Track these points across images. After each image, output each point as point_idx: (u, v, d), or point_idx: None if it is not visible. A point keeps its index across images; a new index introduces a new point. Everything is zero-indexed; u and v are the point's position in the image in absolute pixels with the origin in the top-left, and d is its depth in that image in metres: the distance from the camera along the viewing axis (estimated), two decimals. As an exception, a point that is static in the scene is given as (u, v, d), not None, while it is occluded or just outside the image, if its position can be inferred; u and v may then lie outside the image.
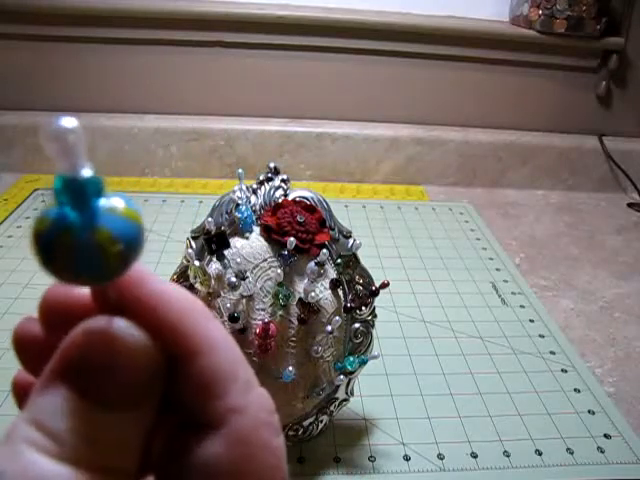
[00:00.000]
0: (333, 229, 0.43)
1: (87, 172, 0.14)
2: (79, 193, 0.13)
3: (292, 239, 0.38)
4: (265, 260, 0.40)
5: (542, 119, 0.97)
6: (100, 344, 0.15)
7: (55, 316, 0.17)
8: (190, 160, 0.89)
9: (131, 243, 0.14)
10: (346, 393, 0.44)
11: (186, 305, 0.17)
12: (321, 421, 0.44)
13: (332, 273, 0.42)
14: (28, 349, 0.17)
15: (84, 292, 0.16)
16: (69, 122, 0.13)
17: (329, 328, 0.40)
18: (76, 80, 0.88)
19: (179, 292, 0.17)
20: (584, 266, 0.75)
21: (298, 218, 0.40)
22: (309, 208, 0.42)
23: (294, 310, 0.40)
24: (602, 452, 0.47)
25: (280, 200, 0.42)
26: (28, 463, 0.13)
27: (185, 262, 0.40)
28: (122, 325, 0.15)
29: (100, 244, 0.13)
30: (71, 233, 0.13)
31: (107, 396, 0.15)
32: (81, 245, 0.13)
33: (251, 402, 0.16)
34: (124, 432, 0.15)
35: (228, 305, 0.39)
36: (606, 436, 0.48)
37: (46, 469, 0.13)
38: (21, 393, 0.17)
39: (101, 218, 0.14)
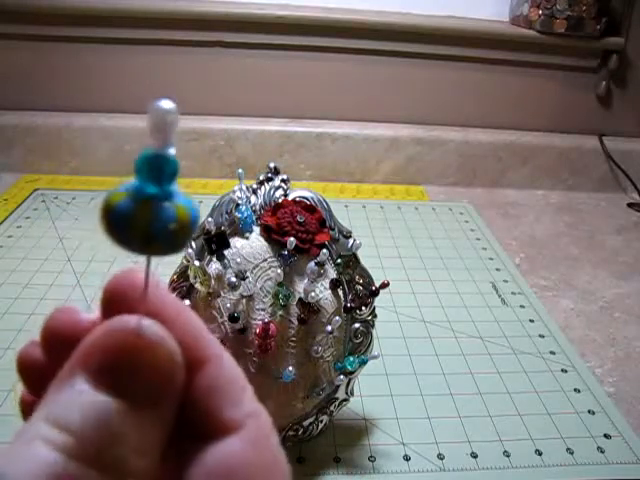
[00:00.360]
0: (333, 229, 0.43)
1: (172, 151, 0.15)
2: (162, 169, 0.15)
3: (292, 239, 0.38)
4: (265, 260, 0.40)
5: (542, 119, 0.97)
6: (125, 341, 0.15)
7: (56, 342, 0.16)
8: (190, 160, 0.89)
9: (194, 221, 0.15)
10: (346, 393, 0.44)
11: (188, 313, 0.17)
12: (321, 421, 0.44)
13: (332, 273, 0.42)
14: (31, 373, 0.17)
15: (85, 318, 0.16)
16: (168, 104, 0.15)
17: (329, 328, 0.40)
18: (76, 80, 0.88)
19: (178, 300, 0.17)
20: (584, 266, 0.75)
21: (298, 218, 0.40)
22: (309, 208, 0.42)
23: (294, 310, 0.40)
24: (602, 452, 0.47)
25: (280, 200, 0.42)
26: (41, 461, 0.13)
27: (185, 262, 0.40)
28: (147, 323, 0.15)
29: (177, 218, 0.14)
30: (151, 205, 0.14)
31: (128, 392, 0.14)
32: (161, 217, 0.14)
33: (260, 409, 0.17)
34: (143, 431, 0.14)
35: (228, 305, 0.39)
36: (606, 436, 0.48)
37: (63, 467, 0.13)
38: (28, 409, 0.17)
39: (177, 195, 0.15)
